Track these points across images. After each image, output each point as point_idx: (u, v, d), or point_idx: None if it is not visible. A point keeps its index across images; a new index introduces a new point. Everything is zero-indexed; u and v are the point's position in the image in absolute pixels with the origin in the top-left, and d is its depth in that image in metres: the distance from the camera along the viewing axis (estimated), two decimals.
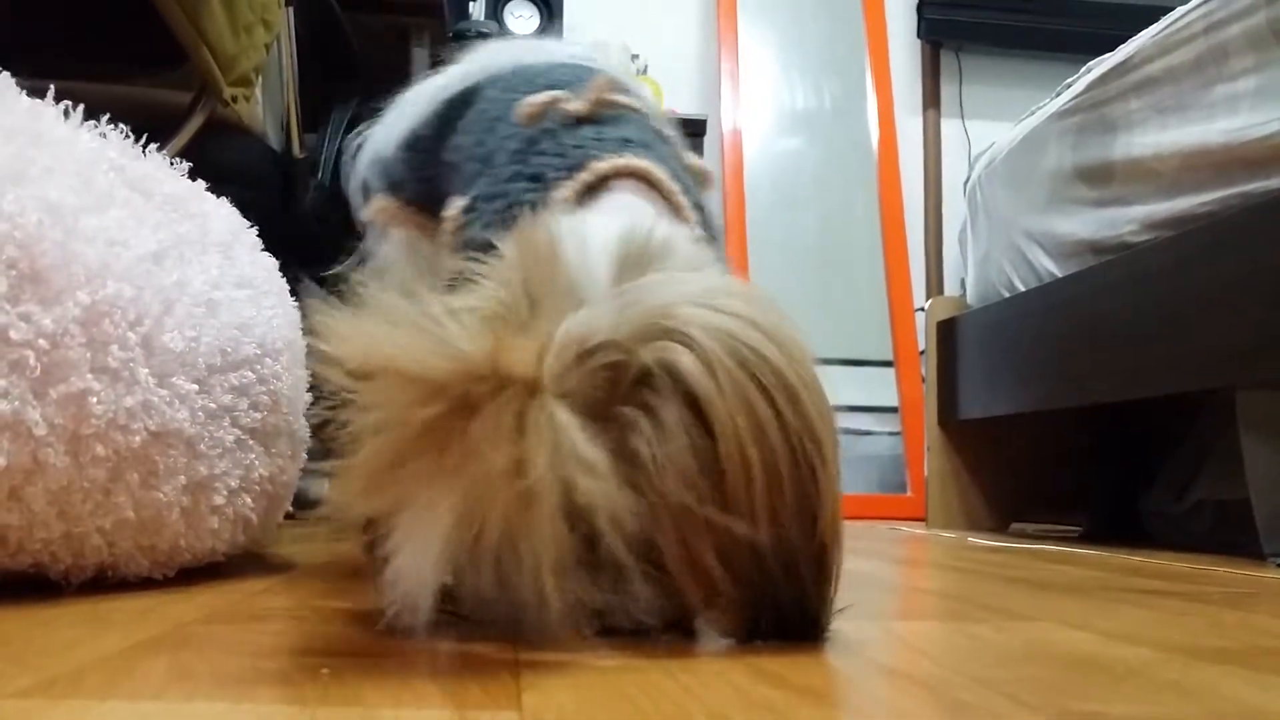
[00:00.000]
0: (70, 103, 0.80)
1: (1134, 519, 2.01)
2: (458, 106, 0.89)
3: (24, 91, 0.78)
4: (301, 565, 1.00)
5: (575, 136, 0.75)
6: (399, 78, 2.26)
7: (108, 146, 0.82)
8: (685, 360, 0.50)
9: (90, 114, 0.82)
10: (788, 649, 0.54)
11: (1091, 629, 0.70)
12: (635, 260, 0.55)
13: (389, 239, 0.96)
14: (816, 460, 0.52)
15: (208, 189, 0.95)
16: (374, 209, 0.91)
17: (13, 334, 0.65)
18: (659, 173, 0.73)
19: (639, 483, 0.49)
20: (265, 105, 1.75)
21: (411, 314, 0.47)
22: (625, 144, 0.74)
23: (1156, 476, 1.96)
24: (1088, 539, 1.92)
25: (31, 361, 0.66)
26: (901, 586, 1.07)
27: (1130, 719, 0.42)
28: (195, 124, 1.55)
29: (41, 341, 0.66)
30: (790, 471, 0.51)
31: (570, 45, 0.89)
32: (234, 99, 1.61)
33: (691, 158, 0.85)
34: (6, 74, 0.76)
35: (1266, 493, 1.43)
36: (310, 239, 1.83)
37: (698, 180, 0.82)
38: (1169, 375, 1.55)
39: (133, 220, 0.77)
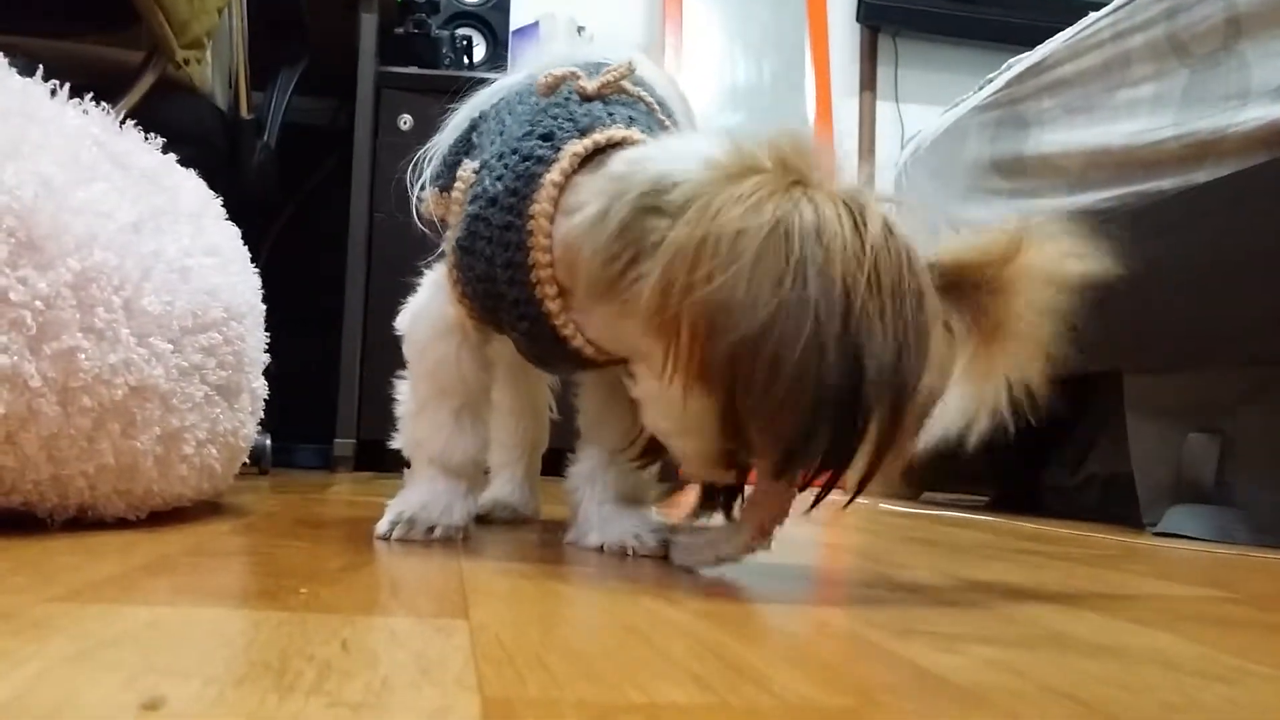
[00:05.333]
0: (57, 82, 0.86)
1: (1034, 492, 2.15)
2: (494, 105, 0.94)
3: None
4: (256, 513, 1.08)
5: (586, 108, 0.81)
6: (347, 40, 2.32)
7: (90, 123, 0.89)
8: None
9: (43, 70, 0.87)
10: (696, 580, 0.64)
11: (957, 576, 0.81)
12: None
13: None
14: None
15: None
16: (426, 203, 0.95)
17: (12, 295, 0.73)
18: None
19: None
20: (214, 65, 1.79)
21: None
22: (631, 121, 0.81)
23: (1053, 452, 2.10)
24: (992, 509, 2.06)
25: (28, 321, 0.73)
26: (809, 541, 1.18)
27: (956, 636, 0.53)
28: (146, 84, 1.58)
29: (37, 303, 0.74)
30: None
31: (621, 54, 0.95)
32: (186, 61, 1.65)
33: None
34: (0, 55, 0.83)
35: (1147, 468, 1.57)
36: (254, 197, 1.89)
37: None
38: (1064, 359, 1.68)
39: (114, 193, 0.85)
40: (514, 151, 0.79)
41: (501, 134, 0.84)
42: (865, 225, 0.60)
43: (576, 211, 0.72)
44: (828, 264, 0.58)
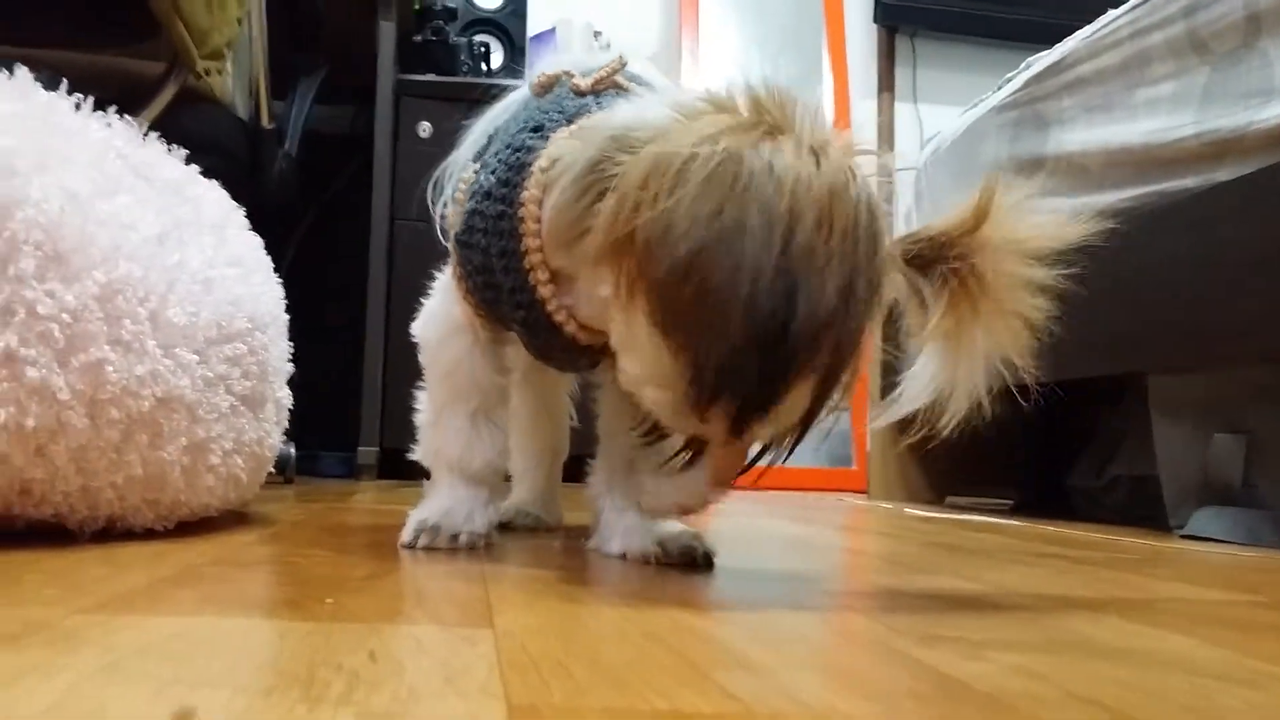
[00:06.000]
0: (81, 95, 0.87)
1: (1060, 494, 2.14)
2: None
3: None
4: (281, 522, 1.09)
5: (577, 102, 0.83)
6: (366, 49, 2.33)
7: (114, 135, 0.90)
8: None
9: (67, 84, 0.88)
10: (719, 588, 0.64)
11: (981, 581, 0.81)
12: None
13: None
14: None
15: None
16: (448, 219, 0.96)
17: (40, 309, 0.73)
18: None
19: None
20: (235, 75, 1.80)
21: None
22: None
23: (1080, 455, 2.09)
24: (1017, 512, 2.05)
25: (56, 333, 0.74)
26: (833, 547, 1.18)
27: (980, 642, 0.53)
28: (168, 95, 1.60)
29: (65, 316, 0.75)
30: None
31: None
32: (207, 72, 1.66)
33: None
34: (25, 69, 0.84)
35: (1173, 470, 1.56)
36: (276, 206, 1.89)
37: None
38: (1087, 361, 1.67)
39: (138, 205, 0.86)
40: (507, 146, 0.81)
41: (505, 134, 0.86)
42: (825, 168, 0.59)
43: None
44: (776, 195, 0.58)
